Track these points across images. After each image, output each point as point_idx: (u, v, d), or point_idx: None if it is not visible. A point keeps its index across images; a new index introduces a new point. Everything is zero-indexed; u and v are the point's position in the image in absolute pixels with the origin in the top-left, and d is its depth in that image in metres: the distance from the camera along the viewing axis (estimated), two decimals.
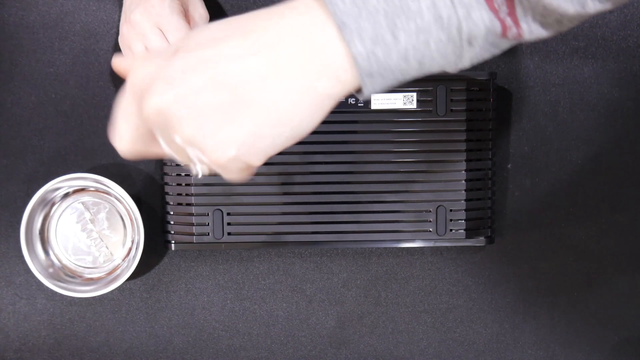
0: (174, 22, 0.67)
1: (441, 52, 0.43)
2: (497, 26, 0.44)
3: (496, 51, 0.46)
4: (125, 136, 0.46)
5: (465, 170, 0.76)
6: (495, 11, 0.43)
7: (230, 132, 0.42)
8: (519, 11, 0.44)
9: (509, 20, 0.44)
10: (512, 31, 0.44)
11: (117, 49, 0.80)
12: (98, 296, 0.81)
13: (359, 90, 0.44)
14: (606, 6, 0.44)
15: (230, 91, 0.42)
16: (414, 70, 0.44)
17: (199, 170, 0.46)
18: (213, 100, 0.42)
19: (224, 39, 0.42)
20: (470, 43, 0.44)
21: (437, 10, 0.42)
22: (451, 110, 0.75)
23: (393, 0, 0.42)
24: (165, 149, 0.46)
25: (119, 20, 0.79)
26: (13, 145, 0.81)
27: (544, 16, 0.44)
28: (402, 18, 0.42)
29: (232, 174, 0.44)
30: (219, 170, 0.45)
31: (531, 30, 0.45)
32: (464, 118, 0.75)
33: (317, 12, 0.42)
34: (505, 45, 0.46)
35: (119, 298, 0.82)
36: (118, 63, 0.48)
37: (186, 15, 0.70)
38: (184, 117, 0.42)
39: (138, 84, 0.43)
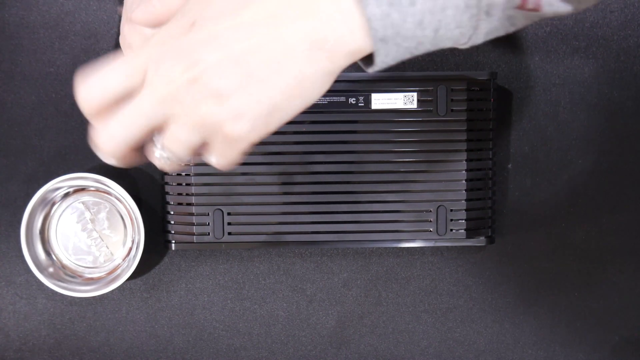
0: None
1: (458, 20, 0.42)
2: None
3: (511, 28, 0.45)
4: (104, 89, 0.45)
5: (466, 170, 0.76)
6: None
7: (247, 107, 0.42)
8: None
9: None
10: (531, 1, 0.43)
11: (117, 48, 0.80)
12: (98, 296, 0.81)
13: (369, 61, 0.44)
14: None
15: (246, 68, 0.42)
16: (428, 40, 0.43)
17: (159, 155, 0.46)
18: (231, 76, 0.42)
19: (238, 11, 0.42)
20: (488, 12, 0.43)
21: None
22: (452, 110, 0.75)
23: None
24: (131, 122, 0.45)
25: (119, 20, 0.79)
26: (13, 145, 0.81)
27: None
28: None
29: (238, 149, 0.45)
30: (224, 146, 0.44)
31: (550, 2, 0.44)
32: (464, 118, 0.75)
33: None
34: (521, 21, 0.45)
35: (119, 298, 0.82)
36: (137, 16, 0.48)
37: None
38: (205, 94, 0.42)
39: (153, 55, 0.43)
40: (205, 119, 0.43)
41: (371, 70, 0.44)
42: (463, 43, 0.45)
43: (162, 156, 0.47)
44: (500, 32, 0.45)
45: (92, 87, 0.45)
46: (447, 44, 0.44)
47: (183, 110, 0.43)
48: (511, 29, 0.46)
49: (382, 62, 0.43)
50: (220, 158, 0.46)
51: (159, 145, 0.46)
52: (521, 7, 0.44)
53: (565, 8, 0.45)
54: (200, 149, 0.46)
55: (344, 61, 0.43)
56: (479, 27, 0.44)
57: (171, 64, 0.42)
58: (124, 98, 0.45)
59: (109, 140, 0.46)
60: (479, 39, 0.45)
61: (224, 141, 0.44)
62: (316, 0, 0.41)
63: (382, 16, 0.41)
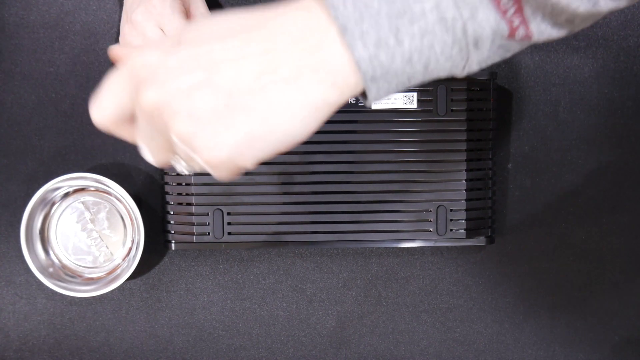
0: (175, 22, 0.67)
1: (447, 55, 0.42)
2: (504, 27, 0.42)
3: (507, 54, 0.45)
4: (106, 109, 0.45)
5: (466, 170, 0.76)
6: (502, 12, 0.42)
7: (224, 135, 0.41)
8: (527, 11, 0.43)
9: (516, 21, 0.43)
10: (520, 32, 0.43)
11: None
12: (98, 296, 0.81)
13: (364, 95, 0.44)
14: (620, 4, 0.43)
15: (227, 94, 0.41)
16: (419, 75, 0.43)
17: (181, 168, 0.47)
18: (209, 102, 0.41)
19: (225, 37, 0.42)
20: (476, 45, 0.43)
21: (441, 11, 0.41)
22: (451, 110, 0.75)
23: (395, 3, 0.40)
24: (139, 137, 0.45)
25: (119, 20, 0.79)
26: (13, 145, 0.81)
27: (553, 16, 0.44)
28: (404, 20, 0.41)
29: (221, 173, 0.44)
30: (208, 169, 0.44)
31: (541, 31, 0.44)
32: (464, 118, 0.75)
33: (318, 16, 0.41)
34: (515, 47, 0.45)
35: (119, 298, 0.82)
36: (117, 51, 0.48)
37: (187, 15, 0.70)
38: (180, 114, 0.41)
39: (138, 70, 0.43)
40: (182, 139, 0.42)
41: (366, 104, 0.44)
42: (458, 73, 0.45)
43: (178, 164, 0.47)
44: (495, 60, 0.45)
45: (97, 112, 0.45)
46: (440, 74, 0.44)
47: (166, 129, 0.43)
48: (507, 55, 0.45)
49: (374, 98, 0.43)
50: (214, 174, 0.46)
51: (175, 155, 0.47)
52: (510, 38, 0.44)
53: (558, 34, 0.45)
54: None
55: (334, 98, 0.42)
56: (470, 59, 0.43)
57: (150, 82, 0.42)
58: (131, 112, 0.45)
59: (145, 155, 0.47)
60: (473, 68, 0.44)
61: (202, 163, 0.43)
62: (306, 43, 0.41)
63: (370, 58, 0.41)
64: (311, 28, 0.41)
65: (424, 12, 0.41)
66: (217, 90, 0.41)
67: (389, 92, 0.43)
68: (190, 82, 0.41)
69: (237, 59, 0.41)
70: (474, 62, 0.44)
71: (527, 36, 0.44)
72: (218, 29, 0.42)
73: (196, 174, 0.76)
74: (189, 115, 0.41)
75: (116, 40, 0.80)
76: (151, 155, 0.46)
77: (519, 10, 0.43)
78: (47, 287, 0.80)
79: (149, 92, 0.42)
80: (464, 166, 0.76)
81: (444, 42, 0.42)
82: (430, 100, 0.75)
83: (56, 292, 0.79)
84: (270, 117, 0.41)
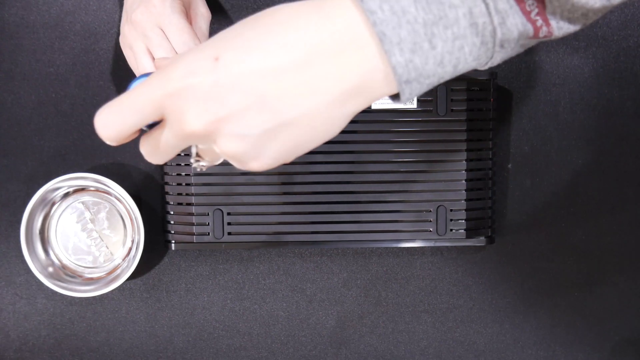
0: (175, 22, 0.67)
1: (474, 55, 0.45)
2: (530, 29, 0.45)
3: (522, 50, 0.48)
4: (126, 123, 0.45)
5: (466, 170, 0.76)
6: (527, 14, 0.44)
7: (271, 150, 0.44)
8: (548, 11, 0.45)
9: (540, 21, 0.45)
10: (543, 31, 0.46)
11: (117, 48, 0.80)
12: (98, 296, 0.81)
13: (394, 96, 0.45)
14: None
15: (274, 114, 0.43)
16: (448, 74, 0.45)
17: (202, 165, 0.49)
18: (260, 123, 0.43)
19: (265, 53, 0.42)
20: (502, 46, 0.45)
21: (474, 18, 0.43)
22: (451, 110, 0.75)
23: (432, 9, 0.42)
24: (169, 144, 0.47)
25: (119, 20, 0.79)
26: (13, 145, 0.81)
27: (571, 12, 0.46)
28: (439, 26, 0.42)
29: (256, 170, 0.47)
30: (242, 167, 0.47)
31: (560, 27, 0.47)
32: (464, 118, 0.75)
33: (356, 20, 0.42)
34: (532, 44, 0.48)
35: (119, 298, 0.82)
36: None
37: (188, 15, 0.70)
38: (231, 136, 0.43)
39: (179, 89, 0.43)
40: (227, 155, 0.44)
41: (398, 103, 0.46)
42: (481, 67, 0.47)
43: (196, 164, 0.49)
44: (513, 55, 0.48)
45: (110, 125, 0.45)
46: (466, 70, 0.46)
47: (208, 146, 0.45)
48: (522, 51, 0.48)
49: (407, 99, 0.45)
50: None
51: (193, 155, 0.48)
52: (534, 38, 0.46)
53: (574, 28, 0.48)
54: None
55: (368, 103, 0.45)
56: (494, 57, 0.46)
57: (194, 107, 0.43)
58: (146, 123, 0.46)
59: (155, 160, 0.49)
60: (495, 63, 0.47)
61: (248, 170, 0.46)
62: (342, 49, 0.42)
63: (406, 63, 0.42)
64: (348, 34, 0.42)
65: (457, 18, 0.43)
66: (266, 111, 0.43)
67: (420, 92, 0.45)
68: (240, 106, 0.42)
69: (278, 78, 0.42)
70: (497, 59, 0.46)
71: (549, 33, 0.47)
72: (255, 42, 0.43)
73: (196, 174, 0.76)
74: (240, 137, 0.43)
75: (116, 40, 0.80)
76: (160, 157, 0.48)
77: (542, 11, 0.45)
78: (47, 287, 0.80)
79: (201, 117, 0.43)
80: (464, 166, 0.76)
81: (472, 44, 0.44)
82: (430, 100, 0.75)
83: (56, 292, 0.79)
84: (312, 130, 0.44)
